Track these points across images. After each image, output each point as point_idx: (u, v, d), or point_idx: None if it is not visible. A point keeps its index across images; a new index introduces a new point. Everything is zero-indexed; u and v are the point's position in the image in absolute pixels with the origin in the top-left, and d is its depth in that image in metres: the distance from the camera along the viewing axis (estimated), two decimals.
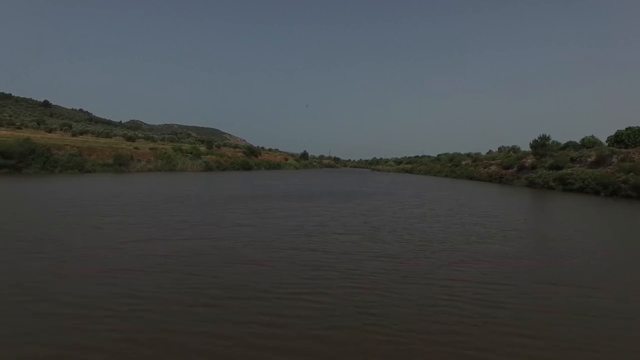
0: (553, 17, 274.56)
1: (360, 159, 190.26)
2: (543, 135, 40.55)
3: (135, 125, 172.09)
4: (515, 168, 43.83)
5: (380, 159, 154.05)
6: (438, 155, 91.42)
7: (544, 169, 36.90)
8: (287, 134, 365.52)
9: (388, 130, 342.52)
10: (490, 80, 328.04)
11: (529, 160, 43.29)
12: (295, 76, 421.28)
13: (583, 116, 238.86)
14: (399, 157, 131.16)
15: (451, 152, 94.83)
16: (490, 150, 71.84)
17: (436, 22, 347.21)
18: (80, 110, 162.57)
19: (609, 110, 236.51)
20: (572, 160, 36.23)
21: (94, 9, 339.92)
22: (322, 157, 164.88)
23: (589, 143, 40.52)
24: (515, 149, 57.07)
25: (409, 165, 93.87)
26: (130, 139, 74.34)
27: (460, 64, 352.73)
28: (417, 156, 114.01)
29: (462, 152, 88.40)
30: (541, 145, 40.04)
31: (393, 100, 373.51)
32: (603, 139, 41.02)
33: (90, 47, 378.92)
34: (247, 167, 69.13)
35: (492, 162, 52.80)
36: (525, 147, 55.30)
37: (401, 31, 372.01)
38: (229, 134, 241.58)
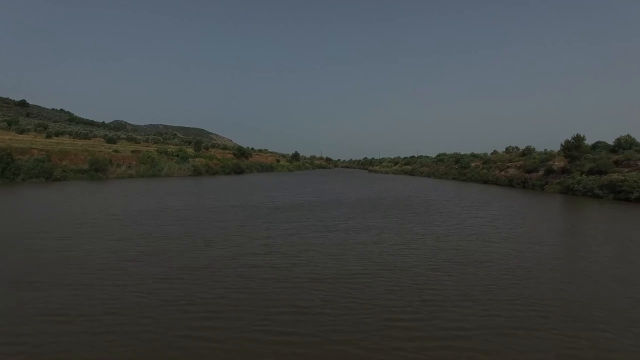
0: (553, 17, 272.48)
1: (351, 159, 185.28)
2: (577, 135, 36.06)
3: (118, 126, 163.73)
4: (541, 171, 39.47)
5: (373, 158, 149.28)
6: (438, 156, 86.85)
7: (582, 174, 32.56)
8: (273, 134, 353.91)
9: (379, 130, 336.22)
10: (489, 80, 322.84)
11: (556, 163, 39.06)
12: (283, 75, 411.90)
13: (583, 116, 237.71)
14: (391, 156, 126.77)
15: (442, 152, 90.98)
16: (495, 151, 67.52)
17: (436, 21, 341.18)
18: (61, 110, 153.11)
19: (610, 110, 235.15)
20: (617, 163, 31.94)
21: (77, 9, 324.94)
22: (313, 157, 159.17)
23: (626, 144, 36.32)
24: (529, 149, 52.40)
25: (409, 167, 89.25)
26: (111, 140, 67.75)
27: (460, 64, 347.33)
28: (414, 156, 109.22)
29: (452, 152, 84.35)
30: (575, 147, 35.56)
31: (387, 101, 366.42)
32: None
33: (74, 47, 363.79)
34: (238, 171, 63.35)
35: (509, 164, 48.45)
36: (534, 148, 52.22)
37: (401, 31, 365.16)
38: (215, 134, 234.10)
